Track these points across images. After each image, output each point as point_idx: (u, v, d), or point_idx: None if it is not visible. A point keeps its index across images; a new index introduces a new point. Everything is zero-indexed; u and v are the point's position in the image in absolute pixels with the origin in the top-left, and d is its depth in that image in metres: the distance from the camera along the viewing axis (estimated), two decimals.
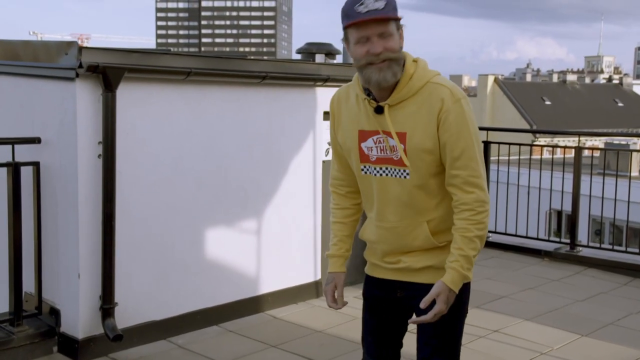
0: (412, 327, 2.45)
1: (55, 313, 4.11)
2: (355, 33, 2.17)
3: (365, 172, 2.35)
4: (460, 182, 2.18)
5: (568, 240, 6.58)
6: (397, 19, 2.17)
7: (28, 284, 4.10)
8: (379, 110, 2.23)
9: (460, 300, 2.32)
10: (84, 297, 4.00)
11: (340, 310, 2.58)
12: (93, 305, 4.03)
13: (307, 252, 5.18)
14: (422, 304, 2.21)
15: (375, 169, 2.31)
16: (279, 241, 5.00)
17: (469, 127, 2.17)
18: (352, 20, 2.15)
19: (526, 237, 6.92)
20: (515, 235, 6.95)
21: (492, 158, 7.15)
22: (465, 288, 2.36)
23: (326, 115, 5.08)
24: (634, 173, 14.89)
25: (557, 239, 7.05)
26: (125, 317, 4.15)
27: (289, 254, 5.06)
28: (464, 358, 2.60)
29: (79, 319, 4.00)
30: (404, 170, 2.25)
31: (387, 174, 2.29)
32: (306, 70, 5.13)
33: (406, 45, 2.25)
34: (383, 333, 2.52)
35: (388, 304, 2.49)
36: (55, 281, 4.12)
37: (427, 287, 2.25)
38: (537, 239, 6.82)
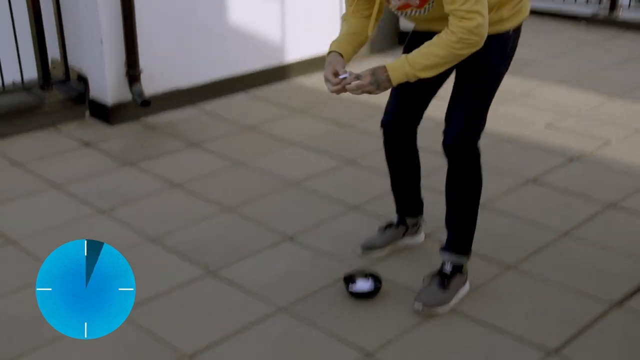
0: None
1: (83, 80, 4.15)
2: None
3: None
4: (450, 13, 2.18)
5: (608, 4, 6.26)
6: None
7: (53, 51, 4.10)
8: None
9: (493, 61, 2.35)
10: (110, 63, 4.01)
11: None
12: (119, 71, 4.05)
13: (334, 20, 5.02)
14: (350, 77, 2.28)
15: (399, 13, 2.35)
16: (304, 9, 4.83)
17: None
18: None
19: (563, 1, 6.59)
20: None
21: None
22: (501, 45, 2.38)
23: None
24: None
25: (597, 3, 6.69)
26: (152, 84, 4.18)
27: (315, 22, 4.91)
28: (491, 122, 2.59)
29: (107, 85, 4.04)
30: (424, 10, 2.28)
31: (410, 14, 2.33)
32: None
33: None
34: (412, 90, 2.45)
35: None
36: (79, 48, 4.11)
37: None
38: (576, 2, 6.50)
